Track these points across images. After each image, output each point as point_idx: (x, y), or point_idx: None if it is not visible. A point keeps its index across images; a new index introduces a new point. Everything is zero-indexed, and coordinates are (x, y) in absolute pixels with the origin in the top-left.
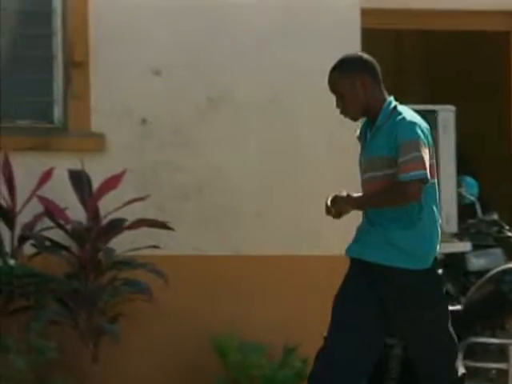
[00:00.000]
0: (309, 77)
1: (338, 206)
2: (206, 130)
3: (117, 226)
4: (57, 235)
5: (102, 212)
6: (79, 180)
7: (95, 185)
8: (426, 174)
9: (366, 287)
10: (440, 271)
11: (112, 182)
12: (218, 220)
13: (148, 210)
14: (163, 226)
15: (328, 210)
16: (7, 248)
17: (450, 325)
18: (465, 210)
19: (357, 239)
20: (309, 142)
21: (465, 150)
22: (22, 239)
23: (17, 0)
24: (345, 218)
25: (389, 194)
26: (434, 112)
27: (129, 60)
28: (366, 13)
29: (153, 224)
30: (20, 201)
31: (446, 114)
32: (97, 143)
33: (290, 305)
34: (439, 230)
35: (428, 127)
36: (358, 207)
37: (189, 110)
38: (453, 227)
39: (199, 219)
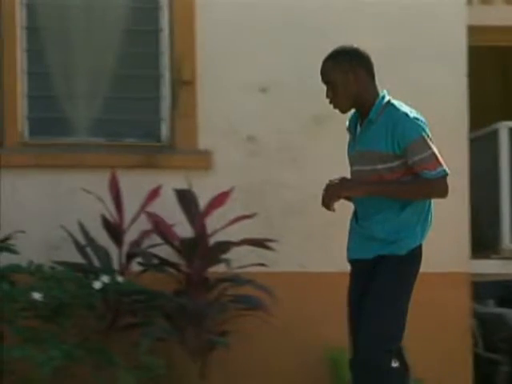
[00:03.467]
0: (416, 95)
1: (346, 189)
2: (312, 146)
3: (224, 244)
4: (164, 252)
5: (210, 229)
6: (186, 198)
7: (202, 202)
8: (445, 169)
9: (360, 286)
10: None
11: (220, 199)
12: (324, 237)
13: (255, 226)
14: (266, 246)
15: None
16: (115, 265)
17: (402, 315)
18: None
19: (348, 242)
20: None
21: None
22: (130, 256)
23: (125, 18)
24: (451, 237)
25: (420, 189)
26: None
27: (235, 78)
28: (472, 30)
29: (257, 243)
30: (127, 218)
31: None
32: (204, 161)
33: None
34: (427, 221)
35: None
36: (370, 193)
37: (295, 128)
38: None
39: (305, 236)
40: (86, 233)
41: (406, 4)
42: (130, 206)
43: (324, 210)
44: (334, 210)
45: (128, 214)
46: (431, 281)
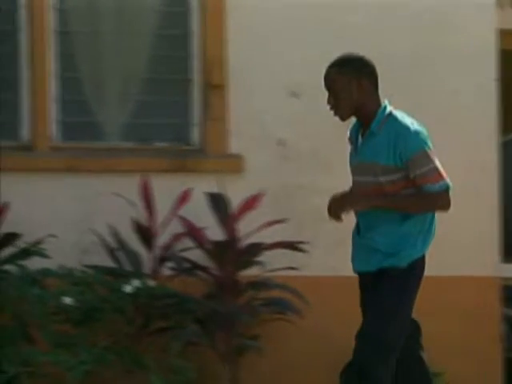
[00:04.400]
0: (443, 98)
1: (350, 204)
2: (344, 151)
3: (255, 248)
4: (194, 256)
5: (240, 233)
6: (217, 202)
7: (233, 206)
8: (447, 183)
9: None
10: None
11: (251, 203)
12: None
13: (286, 231)
14: (299, 248)
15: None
16: (146, 269)
17: (401, 327)
18: None
19: (353, 254)
20: (449, 165)
21: None
22: (161, 260)
23: (155, 22)
24: (481, 241)
25: (421, 203)
26: None
27: (266, 82)
28: (504, 34)
29: (289, 246)
30: (158, 222)
31: None
32: (235, 165)
33: (433, 327)
34: (429, 233)
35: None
36: (373, 207)
37: (327, 132)
38: None
39: (337, 240)
40: (117, 237)
41: (436, 6)
42: (161, 210)
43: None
44: (342, 221)
45: (159, 218)
46: (461, 284)
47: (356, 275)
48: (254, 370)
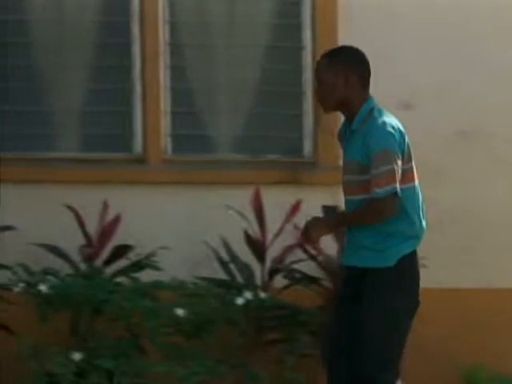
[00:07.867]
0: None
1: (315, 232)
2: (454, 162)
3: None
4: (306, 267)
5: None
6: (332, 213)
7: None
8: (396, 187)
9: (348, 292)
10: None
11: None
12: (467, 253)
13: None
14: None
15: (307, 238)
16: (258, 281)
17: (401, 335)
18: None
19: (344, 248)
20: None
21: None
22: (273, 272)
23: (266, 35)
24: None
25: (366, 212)
26: None
27: (378, 93)
28: None
29: None
30: (270, 234)
31: None
32: None
33: None
34: (416, 230)
35: (403, 130)
36: (335, 229)
37: (436, 143)
38: None
39: (444, 252)
40: (228, 249)
41: None
42: (273, 222)
43: (463, 225)
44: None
45: (270, 231)
46: None
47: (461, 287)
48: None
